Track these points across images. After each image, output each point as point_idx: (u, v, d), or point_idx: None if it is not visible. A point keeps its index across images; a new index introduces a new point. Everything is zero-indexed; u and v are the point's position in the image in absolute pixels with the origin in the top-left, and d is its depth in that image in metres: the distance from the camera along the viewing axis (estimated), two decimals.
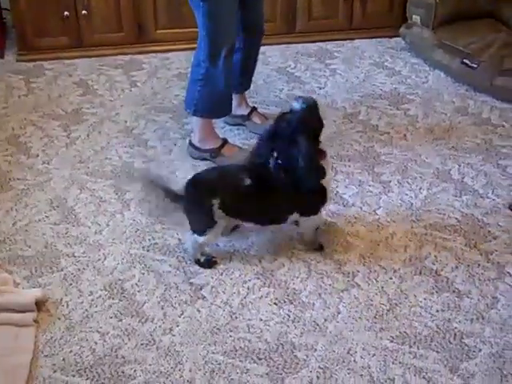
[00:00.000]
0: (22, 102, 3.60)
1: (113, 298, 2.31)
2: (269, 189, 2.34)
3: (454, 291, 2.31)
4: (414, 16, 4.03)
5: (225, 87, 2.91)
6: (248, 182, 2.34)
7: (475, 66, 3.58)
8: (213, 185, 2.39)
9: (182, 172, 2.98)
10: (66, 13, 3.96)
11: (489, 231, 2.59)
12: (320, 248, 2.51)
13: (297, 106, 2.33)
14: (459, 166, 2.99)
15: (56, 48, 4.05)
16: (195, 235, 2.42)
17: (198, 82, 2.90)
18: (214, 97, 2.92)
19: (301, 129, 2.29)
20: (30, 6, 3.93)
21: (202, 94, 2.91)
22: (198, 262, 2.46)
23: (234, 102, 3.23)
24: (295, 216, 2.43)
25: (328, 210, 2.71)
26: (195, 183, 2.41)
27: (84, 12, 3.99)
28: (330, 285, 2.35)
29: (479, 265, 2.42)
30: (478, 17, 3.96)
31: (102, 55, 4.08)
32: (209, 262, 2.46)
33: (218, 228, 2.39)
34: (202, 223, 2.40)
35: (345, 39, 4.25)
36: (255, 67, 3.22)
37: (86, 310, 2.27)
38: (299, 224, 2.49)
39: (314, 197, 2.40)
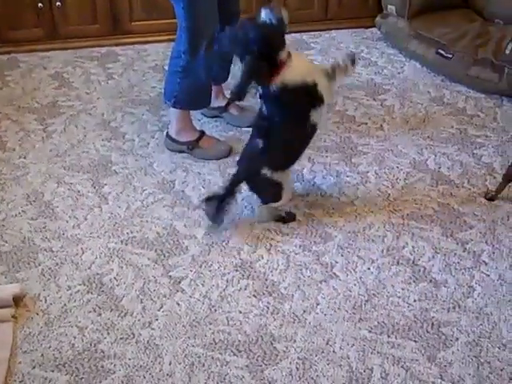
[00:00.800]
0: None
1: (91, 293, 2.31)
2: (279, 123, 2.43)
3: (430, 281, 2.33)
4: (389, 6, 4.04)
5: (206, 79, 2.90)
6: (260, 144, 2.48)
7: (450, 56, 3.60)
8: (252, 158, 2.54)
9: (159, 164, 2.97)
10: (40, 4, 3.92)
11: (465, 221, 2.62)
12: None
13: (263, 16, 2.30)
14: (435, 155, 3.01)
15: (30, 40, 4.01)
16: (273, 203, 2.59)
17: (178, 74, 2.89)
18: (194, 89, 2.91)
19: (253, 47, 2.29)
20: None
21: (182, 86, 2.90)
22: (282, 219, 2.62)
23: (212, 94, 3.22)
24: (315, 115, 2.45)
25: (306, 202, 2.73)
26: (240, 163, 2.60)
27: (58, 4, 3.95)
28: (308, 276, 2.37)
29: (455, 254, 2.45)
30: (452, 7, 3.98)
31: (77, 47, 4.04)
32: (291, 215, 2.64)
33: (286, 186, 2.56)
34: (272, 193, 2.57)
35: (321, 30, 4.25)
36: (233, 58, 3.20)
37: (65, 304, 2.26)
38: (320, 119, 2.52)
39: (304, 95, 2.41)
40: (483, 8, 3.94)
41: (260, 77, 2.35)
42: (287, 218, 2.63)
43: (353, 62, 2.49)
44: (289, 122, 2.43)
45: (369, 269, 2.39)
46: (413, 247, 2.48)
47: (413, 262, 2.41)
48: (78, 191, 2.81)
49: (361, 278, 2.35)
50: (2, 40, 4.00)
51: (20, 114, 3.37)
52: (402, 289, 2.30)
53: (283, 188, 2.55)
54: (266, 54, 2.30)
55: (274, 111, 2.43)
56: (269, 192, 2.58)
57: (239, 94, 2.37)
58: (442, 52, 3.62)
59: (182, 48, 2.82)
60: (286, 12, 2.34)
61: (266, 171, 2.49)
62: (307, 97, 2.41)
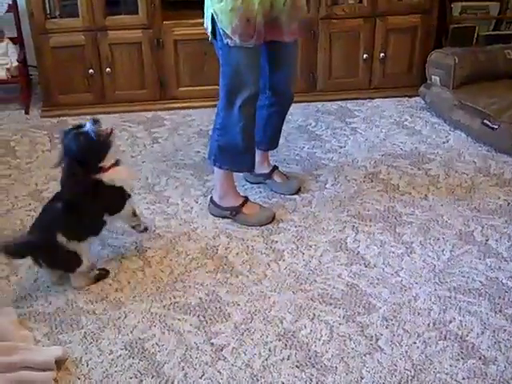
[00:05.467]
0: (45, 157, 3.65)
1: (133, 358, 2.29)
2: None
3: (479, 358, 2.26)
4: (433, 76, 4.07)
5: (242, 140, 2.90)
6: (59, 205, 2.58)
7: (496, 127, 3.58)
8: (49, 223, 2.57)
9: (202, 230, 2.98)
10: (90, 70, 4.05)
11: None
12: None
13: (88, 128, 2.54)
14: (482, 227, 2.96)
15: (80, 104, 4.13)
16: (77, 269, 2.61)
17: (217, 132, 2.93)
18: (231, 148, 2.92)
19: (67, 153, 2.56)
20: (55, 64, 4.03)
21: (219, 144, 2.93)
22: (98, 277, 2.68)
23: (256, 159, 3.24)
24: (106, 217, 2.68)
25: (350, 271, 2.70)
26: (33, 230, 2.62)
27: (108, 70, 4.07)
28: (352, 348, 2.32)
29: (505, 330, 2.37)
30: (497, 77, 4.00)
31: (124, 111, 4.14)
32: (105, 270, 2.71)
33: (84, 254, 2.59)
34: (71, 261, 2.60)
35: (365, 98, 4.30)
36: (281, 128, 3.24)
37: (106, 369, 2.24)
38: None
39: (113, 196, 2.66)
40: None
41: (74, 175, 2.54)
42: (102, 274, 2.69)
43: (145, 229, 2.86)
44: (94, 206, 2.60)
45: (415, 343, 2.33)
46: (460, 322, 2.42)
47: (461, 338, 2.34)
48: (122, 254, 2.83)
49: (407, 352, 2.29)
50: (52, 104, 4.13)
51: None
52: (450, 365, 2.23)
53: (81, 256, 2.58)
54: (80, 160, 2.53)
55: (85, 192, 2.57)
56: (67, 260, 2.58)
57: (67, 188, 2.58)
58: (488, 122, 3.61)
59: (220, 105, 2.88)
60: (112, 132, 2.62)
61: (60, 237, 2.51)
62: (115, 198, 2.66)
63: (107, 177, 2.60)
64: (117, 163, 2.66)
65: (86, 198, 2.56)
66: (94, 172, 2.58)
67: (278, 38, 2.83)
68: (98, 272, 2.69)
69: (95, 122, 2.55)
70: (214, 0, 2.67)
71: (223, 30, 2.68)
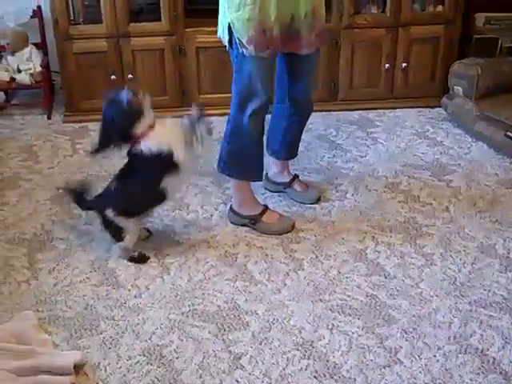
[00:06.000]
0: (67, 162, 3.68)
1: (151, 364, 2.29)
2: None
3: (500, 372, 2.23)
4: (455, 87, 4.05)
5: (250, 148, 2.90)
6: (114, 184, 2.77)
7: None
8: (104, 195, 2.79)
9: (221, 237, 2.98)
10: (112, 76, 4.07)
11: None
12: None
13: (121, 96, 2.61)
14: (504, 240, 2.93)
15: (101, 110, 4.13)
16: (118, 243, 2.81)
17: (226, 138, 2.93)
18: (239, 156, 2.92)
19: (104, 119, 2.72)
20: (78, 70, 4.07)
21: (228, 151, 2.93)
22: (134, 259, 2.81)
23: (276, 169, 3.25)
24: (167, 181, 2.73)
25: (369, 282, 2.68)
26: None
27: (130, 76, 4.09)
28: (371, 360, 2.30)
29: None
30: None
31: None
32: (143, 256, 2.83)
33: (130, 232, 2.76)
34: (113, 234, 2.80)
35: (386, 108, 4.28)
36: (300, 138, 3.23)
37: (124, 375, 2.24)
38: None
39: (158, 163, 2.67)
40: None
41: (108, 143, 2.68)
42: (138, 259, 2.81)
43: (209, 131, 2.78)
44: (139, 181, 2.70)
45: (435, 356, 2.30)
46: (481, 336, 2.39)
47: (481, 352, 2.32)
48: None
49: (426, 365, 2.27)
50: (74, 109, 4.17)
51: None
52: (471, 379, 2.20)
53: (124, 232, 2.75)
54: (114, 127, 2.64)
55: (131, 167, 2.73)
56: (111, 231, 2.78)
57: (95, 152, 2.74)
58: (511, 134, 3.58)
59: (231, 112, 2.87)
60: (147, 97, 2.67)
61: (109, 212, 2.72)
62: (161, 165, 2.67)
63: (143, 145, 2.64)
64: (151, 127, 2.66)
65: (131, 174, 2.70)
66: (127, 141, 2.65)
67: (296, 51, 2.83)
68: (136, 255, 2.82)
69: (129, 90, 2.61)
70: (231, 9, 2.67)
71: (239, 40, 2.68)
